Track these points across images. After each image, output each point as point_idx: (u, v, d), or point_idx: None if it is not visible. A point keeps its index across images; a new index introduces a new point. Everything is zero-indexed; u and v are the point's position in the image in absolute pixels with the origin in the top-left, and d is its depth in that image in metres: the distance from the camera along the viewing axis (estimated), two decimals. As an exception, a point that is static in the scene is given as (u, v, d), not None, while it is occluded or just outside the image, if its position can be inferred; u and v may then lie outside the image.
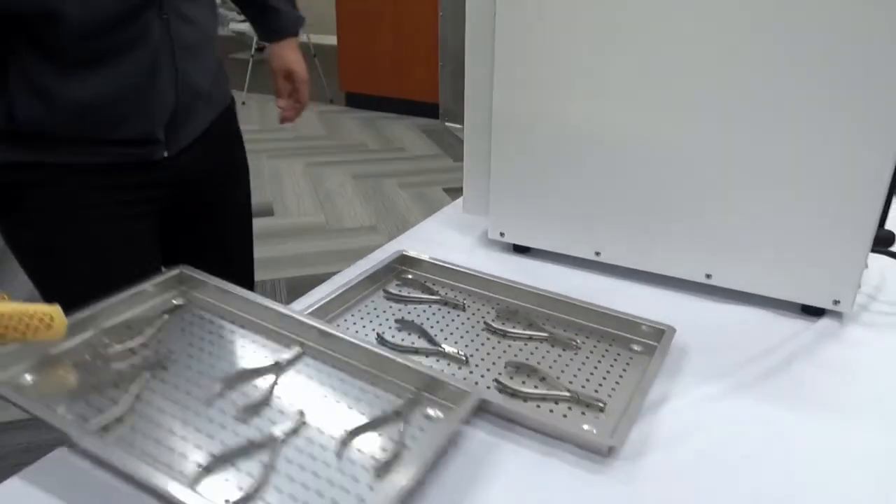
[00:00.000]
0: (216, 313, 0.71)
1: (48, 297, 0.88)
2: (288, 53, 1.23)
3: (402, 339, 0.76)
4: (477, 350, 0.75)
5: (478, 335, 0.78)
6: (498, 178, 0.95)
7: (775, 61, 0.74)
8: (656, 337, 0.76)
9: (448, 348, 0.73)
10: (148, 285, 0.71)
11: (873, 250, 0.82)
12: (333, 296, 0.81)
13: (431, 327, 0.79)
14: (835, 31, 0.70)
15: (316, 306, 0.78)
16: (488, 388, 0.68)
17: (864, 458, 0.61)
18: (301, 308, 0.77)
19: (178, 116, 0.94)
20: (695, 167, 0.82)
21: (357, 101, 5.00)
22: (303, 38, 6.36)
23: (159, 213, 1.01)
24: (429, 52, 4.36)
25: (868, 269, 0.94)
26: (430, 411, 0.61)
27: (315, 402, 0.60)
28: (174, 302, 0.71)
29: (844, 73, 0.71)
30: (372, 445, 0.56)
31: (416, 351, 0.73)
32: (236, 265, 1.20)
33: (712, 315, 0.85)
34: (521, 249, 1.00)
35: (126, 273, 0.78)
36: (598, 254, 0.93)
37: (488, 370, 0.71)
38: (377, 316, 0.81)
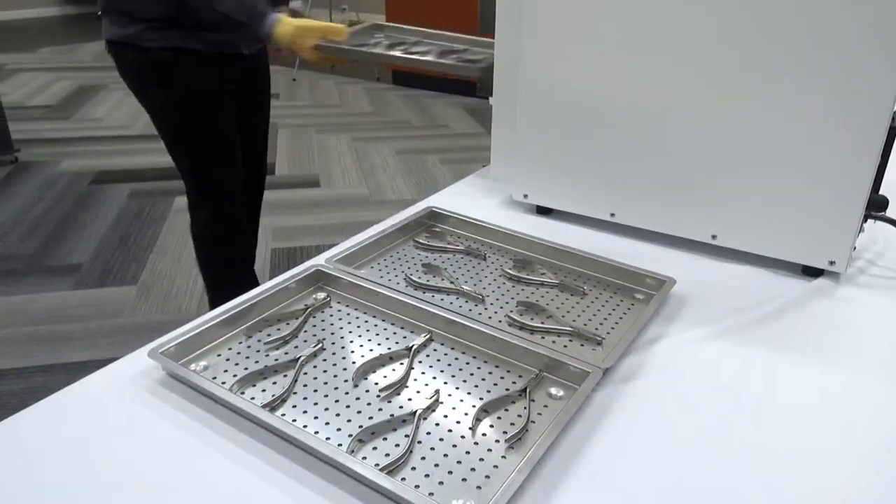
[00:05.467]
0: (352, 305, 0.80)
1: (181, 145, 1.58)
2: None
3: (428, 280, 0.85)
4: (493, 292, 0.84)
5: (495, 280, 0.87)
6: (523, 144, 1.03)
7: (777, 33, 0.80)
8: (658, 287, 0.83)
9: (467, 288, 0.83)
10: (290, 282, 0.80)
11: (870, 215, 0.88)
12: (368, 242, 0.91)
13: (454, 272, 0.88)
14: (832, 14, 0.76)
15: (353, 250, 0.88)
16: (500, 321, 0.77)
17: (830, 395, 0.68)
18: (338, 252, 0.87)
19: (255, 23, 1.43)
20: (704, 136, 0.88)
21: (403, 78, 5.09)
22: (353, 16, 6.48)
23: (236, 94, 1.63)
24: (474, 32, 4.41)
25: (871, 235, 1.00)
26: (553, 390, 0.66)
27: (447, 383, 0.67)
28: (314, 297, 0.81)
29: (840, 43, 0.77)
30: (501, 421, 0.62)
31: (438, 289, 0.83)
32: (260, 149, 1.80)
33: (715, 272, 0.91)
34: (542, 211, 1.08)
35: (227, 130, 1.59)
36: (612, 215, 1.00)
37: (501, 308, 0.80)
38: (406, 261, 0.91)
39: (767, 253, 0.91)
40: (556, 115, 0.98)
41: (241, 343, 0.72)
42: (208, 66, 1.49)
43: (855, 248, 0.87)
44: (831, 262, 0.87)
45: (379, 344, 0.73)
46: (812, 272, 0.90)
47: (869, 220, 0.90)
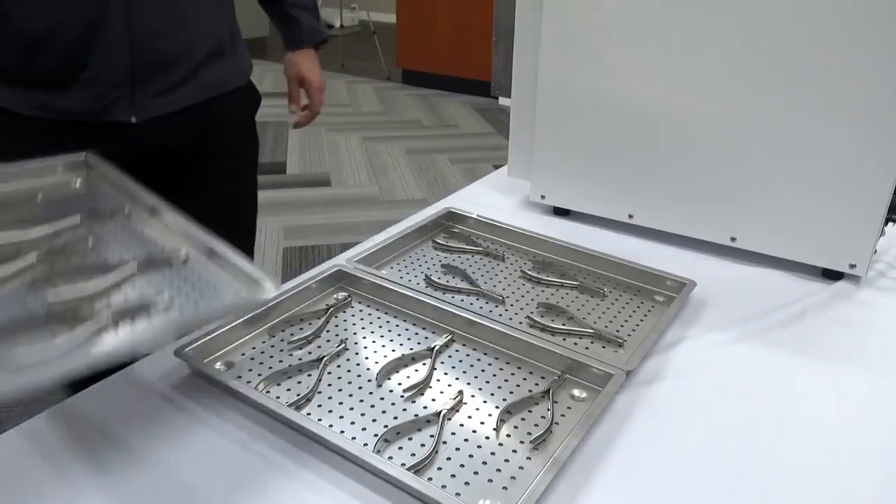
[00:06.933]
0: (373, 305, 0.80)
1: None
2: (303, 62, 1.23)
3: (447, 281, 0.85)
4: (513, 293, 0.84)
5: (514, 281, 0.87)
6: (540, 144, 1.03)
7: (799, 37, 0.79)
8: (678, 289, 0.83)
9: (487, 289, 0.83)
10: (311, 282, 0.80)
11: (891, 218, 0.88)
12: (387, 243, 0.91)
13: (473, 273, 0.88)
14: (855, 17, 0.76)
15: (373, 250, 0.88)
16: (521, 323, 0.77)
17: (852, 399, 0.68)
18: (358, 252, 0.88)
19: (137, 80, 0.90)
20: (723, 137, 0.88)
21: (413, 78, 5.09)
22: (363, 15, 6.48)
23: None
24: (484, 31, 4.41)
25: (891, 238, 0.99)
26: (576, 392, 0.66)
27: (469, 384, 0.67)
28: (336, 297, 0.81)
29: (861, 48, 0.77)
30: (525, 422, 0.62)
31: (458, 290, 0.83)
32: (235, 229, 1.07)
33: (735, 275, 0.91)
34: (560, 212, 1.08)
35: None
36: (631, 216, 1.00)
37: (522, 309, 0.80)
38: (426, 261, 0.91)
39: (787, 255, 0.90)
40: (574, 116, 0.98)
41: (264, 342, 0.73)
42: (40, 138, 0.89)
43: (876, 251, 0.87)
44: (852, 265, 0.87)
45: (401, 344, 0.73)
46: (832, 275, 0.90)
47: (889, 223, 0.89)
